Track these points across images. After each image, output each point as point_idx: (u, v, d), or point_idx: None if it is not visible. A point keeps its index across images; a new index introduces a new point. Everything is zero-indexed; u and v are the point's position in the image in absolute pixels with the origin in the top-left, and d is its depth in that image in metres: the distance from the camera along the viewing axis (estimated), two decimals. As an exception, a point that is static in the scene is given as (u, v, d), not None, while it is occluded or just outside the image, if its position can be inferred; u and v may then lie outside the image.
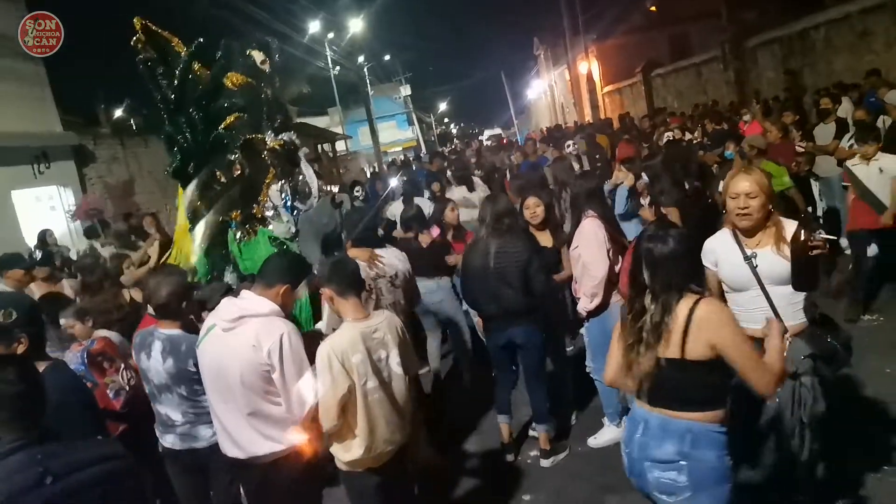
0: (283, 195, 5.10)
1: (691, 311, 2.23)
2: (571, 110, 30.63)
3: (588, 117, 24.17)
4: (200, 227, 4.76)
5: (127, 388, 3.61)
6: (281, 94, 5.57)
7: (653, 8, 25.00)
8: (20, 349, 2.46)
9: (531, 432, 4.53)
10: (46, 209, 10.82)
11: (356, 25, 30.00)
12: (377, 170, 21.16)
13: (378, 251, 4.03)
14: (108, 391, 3.81)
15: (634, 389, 2.38)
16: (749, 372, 2.23)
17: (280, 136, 5.21)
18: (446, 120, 74.35)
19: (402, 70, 44.70)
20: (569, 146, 9.11)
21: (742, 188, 2.86)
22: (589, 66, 25.50)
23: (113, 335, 3.98)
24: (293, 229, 4.99)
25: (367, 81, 34.21)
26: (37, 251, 7.73)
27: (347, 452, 2.92)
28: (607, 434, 4.38)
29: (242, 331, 2.87)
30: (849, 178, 5.52)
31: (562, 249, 4.72)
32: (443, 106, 66.88)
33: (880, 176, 5.28)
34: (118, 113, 23.48)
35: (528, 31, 42.13)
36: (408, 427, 3.09)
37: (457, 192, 7.58)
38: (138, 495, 2.02)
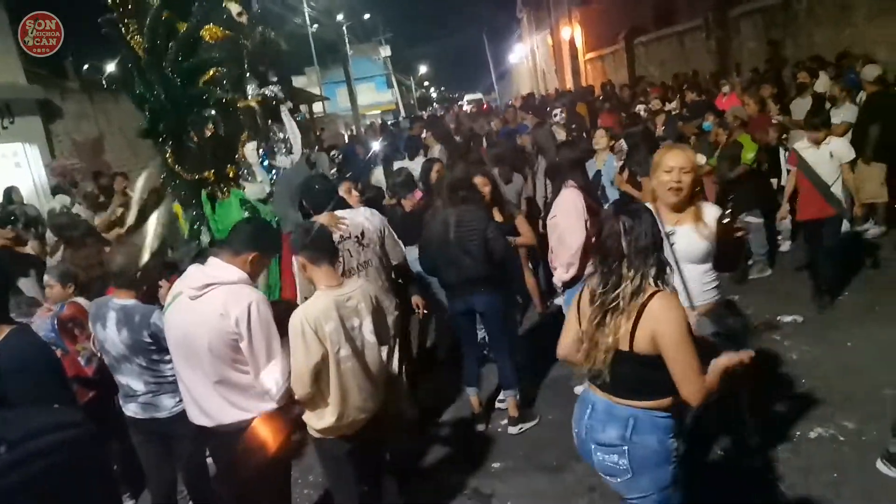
0: (260, 153, 5.01)
1: (646, 301, 2.19)
2: (553, 77, 30.36)
3: (569, 84, 24.00)
4: (175, 187, 4.69)
5: (98, 354, 3.56)
6: (265, 45, 5.38)
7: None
8: None
9: (498, 404, 4.57)
10: (11, 166, 10.48)
11: (336, -18, 29.21)
12: (355, 132, 20.85)
13: (341, 212, 3.99)
14: (78, 358, 3.76)
15: (586, 369, 2.35)
16: (680, 377, 2.18)
17: (262, 90, 5.08)
18: (426, 83, 73.34)
19: (382, 30, 43.80)
20: (556, 115, 9.02)
21: (678, 162, 2.87)
22: (572, 31, 25.19)
23: (84, 301, 3.91)
24: (267, 189, 4.91)
25: (346, 41, 33.48)
26: (0, 209, 7.53)
27: (320, 420, 2.91)
28: None
29: (209, 299, 2.82)
30: (797, 163, 5.34)
31: (518, 218, 4.77)
32: (423, 68, 65.94)
33: (830, 161, 5.19)
34: (86, 67, 22.69)
35: (511, -8, 41.36)
36: (381, 395, 3.07)
37: (437, 152, 7.53)
38: (97, 463, 1.96)
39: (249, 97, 5.05)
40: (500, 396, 4.49)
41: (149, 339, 3.24)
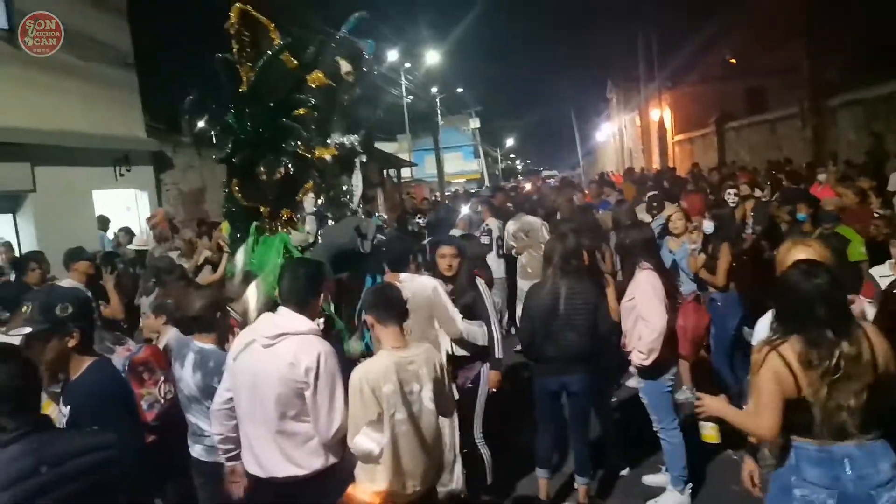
0: (319, 203, 5.17)
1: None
2: (639, 156, 30.24)
3: (656, 164, 23.82)
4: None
5: (162, 401, 3.66)
6: (359, 105, 5.61)
7: (732, 60, 24.55)
8: (72, 343, 2.54)
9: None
10: (123, 210, 11.37)
11: (433, 57, 30.67)
12: (438, 198, 21.39)
13: (403, 276, 4.12)
14: (141, 402, 3.87)
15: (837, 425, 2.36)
16: None
17: (343, 139, 5.28)
18: (512, 155, 74.63)
19: (472, 103, 45.27)
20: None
21: (809, 257, 2.69)
22: (661, 112, 25.18)
23: (175, 336, 4.10)
24: (311, 239, 5.03)
25: (438, 112, 34.80)
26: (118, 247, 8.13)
27: (372, 483, 2.89)
28: (670, 499, 4.18)
29: (282, 348, 2.90)
30: None
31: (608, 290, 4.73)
32: (510, 141, 67.27)
33: None
34: (201, 123, 24.60)
35: (601, 73, 41.95)
36: (436, 468, 3.04)
37: (513, 224, 7.63)
38: (125, 483, 2.14)
39: (329, 144, 5.25)
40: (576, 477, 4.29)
41: (217, 386, 3.29)
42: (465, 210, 9.93)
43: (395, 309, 3.01)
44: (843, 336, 2.31)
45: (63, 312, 2.52)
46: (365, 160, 5.47)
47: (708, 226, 6.18)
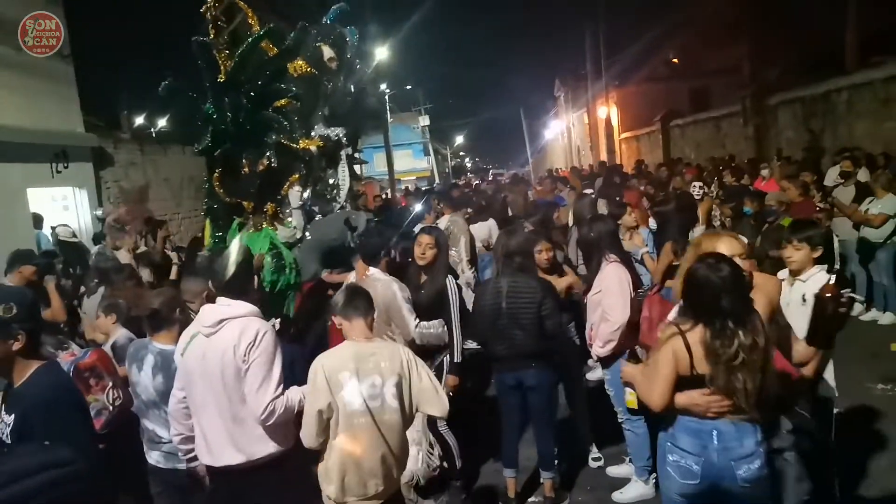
0: (305, 197, 5.02)
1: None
2: (587, 153, 30.77)
3: (604, 161, 24.24)
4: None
5: (110, 408, 3.49)
6: (348, 85, 5.43)
7: (675, 59, 25.25)
8: (16, 346, 2.38)
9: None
10: (60, 208, 10.82)
11: (382, 53, 30.42)
12: (389, 196, 21.22)
13: (372, 271, 4.10)
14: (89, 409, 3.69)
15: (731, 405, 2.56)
16: None
17: (327, 132, 5.12)
18: (462, 153, 74.88)
19: (422, 100, 45.19)
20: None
21: (731, 250, 2.83)
22: (608, 110, 25.68)
23: (124, 336, 3.90)
24: (298, 235, 4.92)
25: (388, 108, 34.57)
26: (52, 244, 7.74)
27: (328, 484, 2.87)
28: (634, 490, 4.21)
29: (224, 332, 2.93)
30: None
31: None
32: (459, 139, 67.43)
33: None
34: (139, 120, 23.76)
35: (549, 71, 42.65)
36: (400, 470, 3.00)
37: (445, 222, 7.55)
38: (85, 500, 1.88)
39: (314, 136, 5.09)
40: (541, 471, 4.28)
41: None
42: (418, 207, 9.82)
43: (360, 304, 3.01)
44: (741, 325, 2.51)
45: (7, 313, 2.35)
46: (351, 153, 5.36)
47: (652, 223, 6.31)
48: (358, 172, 6.02)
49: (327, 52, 5.10)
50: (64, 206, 10.92)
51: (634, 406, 3.14)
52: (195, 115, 4.84)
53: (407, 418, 2.96)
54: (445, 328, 4.15)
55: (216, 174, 4.71)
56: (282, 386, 2.94)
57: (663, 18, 22.03)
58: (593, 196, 8.81)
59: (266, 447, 2.94)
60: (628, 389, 3.12)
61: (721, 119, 17.28)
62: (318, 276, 4.62)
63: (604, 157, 25.20)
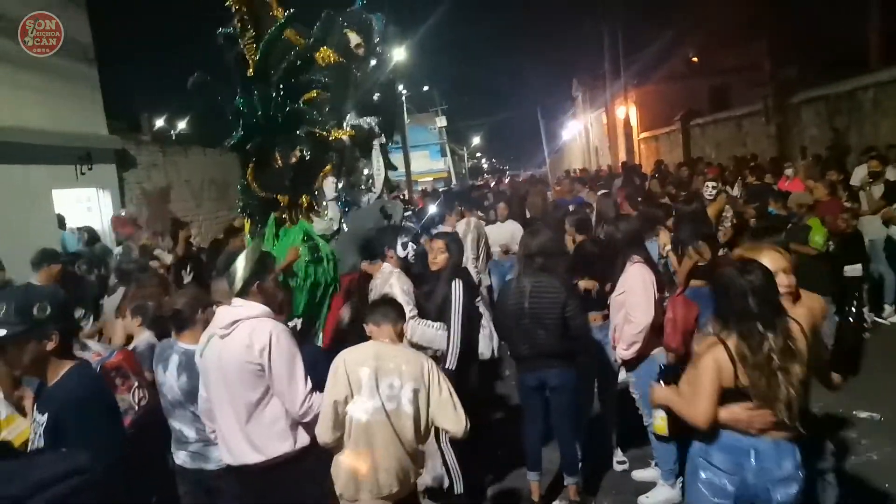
0: (339, 187, 4.99)
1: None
2: (606, 154, 30.56)
3: (623, 161, 24.08)
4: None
5: (136, 407, 3.51)
6: (378, 75, 5.39)
7: (694, 58, 25.00)
8: (50, 346, 2.37)
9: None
10: (83, 210, 10.97)
11: (399, 54, 30.46)
12: (407, 197, 21.27)
13: (385, 266, 4.13)
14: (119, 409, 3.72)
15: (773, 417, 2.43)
16: None
17: (359, 121, 5.08)
18: (479, 154, 74.79)
19: (439, 101, 45.18)
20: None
21: (779, 265, 2.73)
22: (627, 110, 25.48)
23: (145, 340, 3.93)
24: (335, 227, 4.88)
25: (405, 110, 34.60)
26: (82, 245, 7.83)
27: (341, 480, 2.90)
28: (661, 494, 4.15)
29: (237, 334, 2.97)
30: None
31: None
32: (476, 140, 67.36)
33: None
34: (160, 122, 24.03)
35: (567, 71, 42.30)
36: (414, 475, 2.99)
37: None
38: None
39: (345, 126, 5.05)
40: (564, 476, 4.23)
41: None
42: (432, 209, 9.79)
43: (390, 312, 3.09)
44: (770, 329, 2.42)
45: (41, 313, 2.34)
46: (385, 142, 5.33)
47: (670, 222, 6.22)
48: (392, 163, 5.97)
49: (354, 38, 5.04)
50: (87, 208, 11.07)
51: (664, 432, 2.94)
52: (224, 111, 4.83)
53: (421, 428, 2.93)
54: (445, 333, 4.02)
55: (249, 170, 4.69)
56: (309, 382, 2.96)
57: (681, 17, 21.83)
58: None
59: (283, 445, 2.98)
60: (658, 413, 2.96)
61: (742, 118, 17.07)
62: (358, 268, 4.58)
63: (623, 157, 25.02)
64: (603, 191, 9.26)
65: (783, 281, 2.70)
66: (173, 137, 16.70)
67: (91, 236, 8.33)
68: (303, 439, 3.02)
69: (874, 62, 12.41)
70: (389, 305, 3.14)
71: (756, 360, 2.40)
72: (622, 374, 4.46)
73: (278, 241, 4.61)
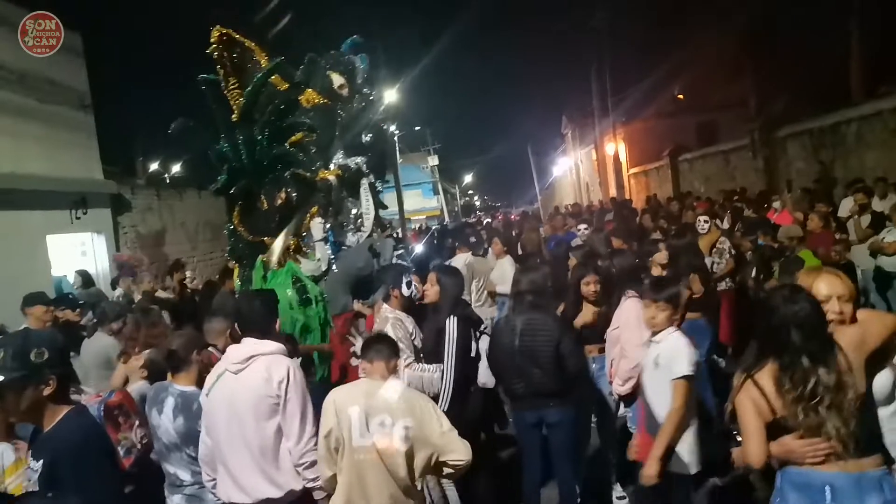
0: (327, 228, 4.95)
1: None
2: (596, 189, 30.89)
3: (613, 196, 24.33)
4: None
5: (139, 446, 3.51)
6: (366, 115, 5.41)
7: (680, 95, 25.53)
8: (47, 391, 2.37)
9: None
10: (78, 254, 10.98)
11: (391, 96, 30.94)
12: (400, 235, 21.37)
13: (385, 308, 4.07)
14: (118, 447, 3.71)
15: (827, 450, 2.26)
16: None
17: (346, 161, 5.08)
18: (471, 192, 75.34)
19: (431, 140, 45.71)
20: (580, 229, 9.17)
21: (834, 290, 2.56)
22: (616, 146, 25.87)
23: (143, 385, 3.91)
24: (324, 267, 4.85)
25: (397, 149, 34.98)
26: (77, 289, 7.79)
27: None
28: None
29: (253, 368, 3.03)
30: None
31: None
32: (468, 178, 67.94)
33: None
34: (154, 166, 24.20)
35: (556, 109, 43.03)
36: None
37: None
38: None
39: (332, 166, 5.06)
40: None
41: (203, 430, 3.20)
42: (419, 248, 9.81)
43: (383, 349, 3.07)
44: (821, 363, 2.26)
45: (38, 358, 2.34)
46: (374, 181, 5.32)
47: (663, 257, 6.28)
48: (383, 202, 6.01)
49: (337, 79, 5.12)
50: (82, 252, 11.09)
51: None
52: (209, 154, 4.89)
53: (415, 465, 2.87)
54: (439, 375, 3.92)
55: (236, 213, 4.72)
56: (315, 426, 2.99)
57: (667, 55, 22.35)
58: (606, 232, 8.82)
59: (301, 481, 3.03)
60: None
61: (730, 152, 17.36)
62: (349, 308, 4.58)
63: (613, 192, 25.30)
64: (583, 226, 9.21)
65: (834, 307, 2.52)
66: (168, 181, 16.79)
67: (85, 280, 8.32)
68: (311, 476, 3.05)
69: (856, 94, 12.71)
70: (382, 342, 3.13)
71: (797, 395, 2.26)
72: (621, 409, 4.45)
73: (266, 284, 4.60)
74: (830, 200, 9.86)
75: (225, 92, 4.76)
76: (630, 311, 4.02)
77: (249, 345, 3.11)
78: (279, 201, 4.70)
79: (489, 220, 22.53)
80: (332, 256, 4.95)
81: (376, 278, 4.29)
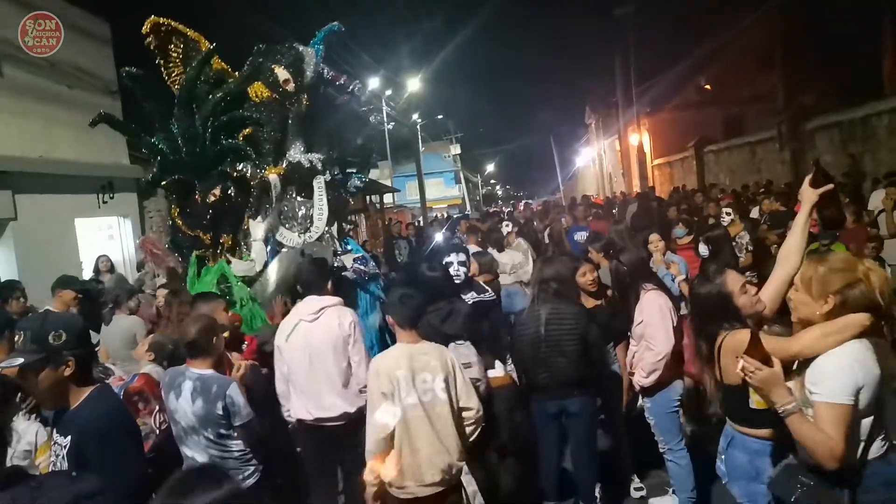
0: (268, 228, 4.76)
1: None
2: (619, 180, 30.63)
3: (636, 188, 24.12)
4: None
5: (157, 431, 3.55)
6: (329, 110, 5.13)
7: (707, 86, 25.13)
8: (67, 372, 2.42)
9: None
10: (105, 238, 11.18)
11: (414, 84, 30.93)
12: (421, 224, 21.36)
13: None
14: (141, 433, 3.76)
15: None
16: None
17: (301, 157, 4.84)
18: (493, 181, 75.13)
19: (453, 129, 45.63)
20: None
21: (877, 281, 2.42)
22: (640, 137, 25.59)
23: (154, 369, 3.98)
24: (258, 268, 4.68)
25: (420, 138, 34.99)
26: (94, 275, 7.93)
27: (389, 469, 3.16)
28: None
29: (326, 316, 3.86)
30: None
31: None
32: (490, 167, 67.75)
33: None
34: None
35: (580, 99, 42.69)
36: (454, 466, 3.18)
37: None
38: None
39: (283, 163, 4.78)
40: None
41: (221, 412, 3.24)
42: (438, 237, 9.71)
43: (410, 315, 3.36)
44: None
45: (56, 340, 2.39)
46: (330, 179, 5.02)
47: (703, 249, 6.21)
48: (388, 200, 5.85)
49: (281, 73, 4.79)
50: (109, 236, 11.28)
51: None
52: (144, 147, 4.80)
53: (456, 411, 3.24)
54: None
55: (174, 206, 4.65)
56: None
57: (695, 46, 22.01)
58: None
59: (361, 400, 3.69)
60: None
61: (756, 144, 17.09)
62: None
63: (636, 183, 25.06)
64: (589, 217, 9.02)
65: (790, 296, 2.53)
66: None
67: (104, 264, 8.42)
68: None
69: (888, 88, 12.42)
70: (409, 309, 3.36)
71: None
72: (638, 401, 4.43)
73: (199, 281, 4.55)
74: (860, 195, 9.66)
75: (168, 81, 4.68)
76: (652, 305, 3.99)
77: (316, 300, 3.93)
78: (212, 198, 4.57)
79: (510, 209, 22.34)
80: (268, 258, 4.73)
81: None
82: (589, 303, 4.54)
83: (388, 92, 30.20)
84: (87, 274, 8.93)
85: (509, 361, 4.27)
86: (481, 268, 5.28)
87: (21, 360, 2.35)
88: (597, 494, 4.16)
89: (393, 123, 31.81)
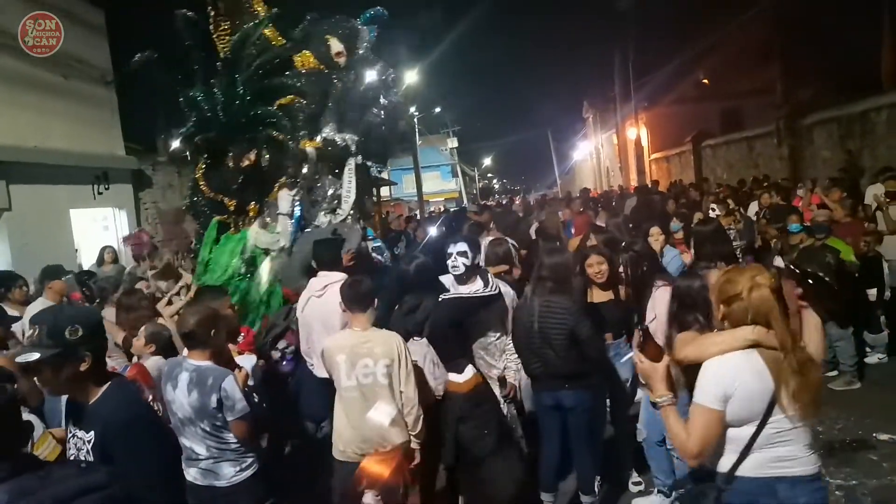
0: (295, 203, 4.64)
1: None
2: (617, 174, 30.62)
3: (634, 182, 24.10)
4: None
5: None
6: (369, 91, 4.90)
7: (705, 80, 25.10)
8: (84, 367, 2.35)
9: None
10: (100, 229, 11.12)
11: (411, 77, 30.79)
12: (419, 217, 21.32)
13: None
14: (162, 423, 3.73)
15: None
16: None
17: (333, 136, 4.72)
18: (489, 175, 75.06)
19: (450, 123, 45.51)
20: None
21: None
22: (638, 131, 25.55)
23: (158, 360, 3.95)
24: (282, 243, 4.58)
25: (417, 131, 34.86)
26: (97, 267, 7.88)
27: (335, 440, 3.61)
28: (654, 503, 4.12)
29: (329, 293, 4.11)
30: None
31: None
32: (487, 161, 67.66)
33: None
34: (175, 143, 24.37)
35: (578, 93, 42.61)
36: (392, 439, 3.44)
37: None
38: None
39: (318, 138, 4.66)
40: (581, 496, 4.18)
41: (215, 405, 3.22)
42: (432, 231, 9.68)
43: (356, 299, 3.55)
44: None
45: (73, 335, 2.31)
46: (360, 163, 4.89)
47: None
48: (385, 193, 5.77)
49: (336, 45, 4.70)
50: (104, 227, 11.22)
51: None
52: (176, 98, 4.62)
53: (397, 394, 3.47)
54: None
55: (200, 165, 4.52)
56: None
57: (693, 40, 21.96)
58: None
59: None
60: None
61: (754, 139, 17.08)
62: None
63: (634, 177, 25.05)
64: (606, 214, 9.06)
65: None
66: (189, 158, 16.76)
67: (109, 255, 8.39)
68: None
69: (887, 84, 12.41)
70: (358, 295, 3.54)
71: None
72: (638, 394, 4.42)
73: (217, 247, 4.42)
74: (857, 190, 9.66)
75: (213, 36, 4.50)
76: (664, 302, 3.96)
77: (323, 277, 4.26)
78: (246, 163, 4.40)
79: (508, 202, 22.28)
80: (294, 234, 4.60)
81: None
82: (599, 296, 4.51)
83: (373, 62, 29.93)
84: (86, 265, 8.89)
85: (499, 358, 4.23)
86: (489, 259, 4.99)
87: (37, 355, 2.29)
88: (596, 488, 4.14)
89: (382, 115, 31.63)
